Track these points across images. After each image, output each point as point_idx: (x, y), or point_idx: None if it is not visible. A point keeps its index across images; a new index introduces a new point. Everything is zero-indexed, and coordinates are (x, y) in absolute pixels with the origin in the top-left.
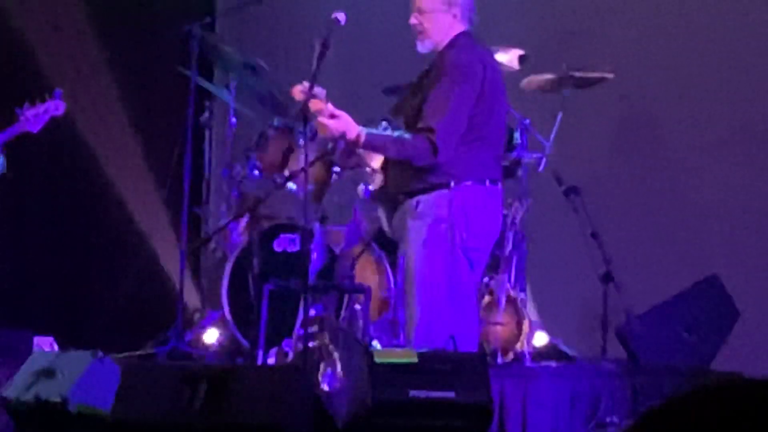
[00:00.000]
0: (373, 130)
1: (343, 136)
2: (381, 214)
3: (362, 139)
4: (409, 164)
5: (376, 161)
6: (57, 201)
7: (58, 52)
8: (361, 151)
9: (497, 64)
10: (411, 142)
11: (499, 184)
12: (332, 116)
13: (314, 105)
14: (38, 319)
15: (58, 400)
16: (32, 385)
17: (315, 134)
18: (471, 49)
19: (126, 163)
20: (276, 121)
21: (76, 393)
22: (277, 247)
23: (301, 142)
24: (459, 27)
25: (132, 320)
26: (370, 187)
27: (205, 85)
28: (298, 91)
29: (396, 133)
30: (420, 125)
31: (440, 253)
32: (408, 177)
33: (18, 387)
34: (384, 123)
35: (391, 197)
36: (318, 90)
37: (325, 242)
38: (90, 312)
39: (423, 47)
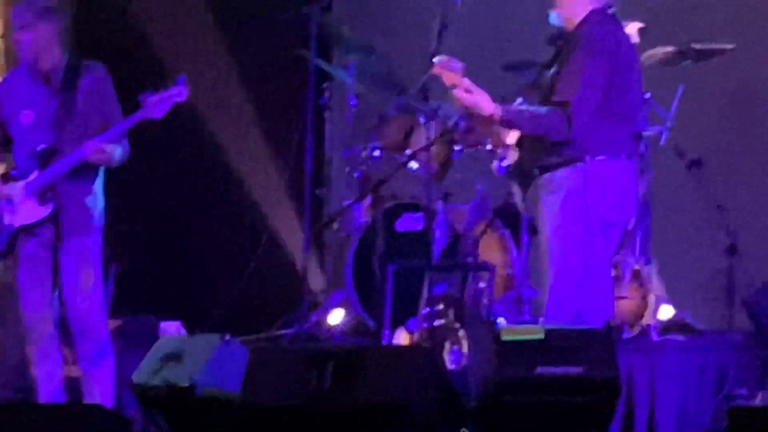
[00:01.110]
0: (509, 106)
1: (478, 110)
2: (515, 189)
3: (498, 114)
4: (544, 139)
5: (511, 137)
6: (180, 186)
7: (179, 38)
8: (495, 127)
9: (630, 40)
10: (546, 117)
11: (634, 159)
12: (468, 91)
13: (450, 79)
14: (165, 304)
15: (186, 384)
16: (160, 370)
17: (435, 113)
18: (605, 24)
19: (247, 147)
20: (396, 101)
21: (204, 377)
22: (399, 227)
23: (422, 120)
24: (594, 3)
25: (257, 303)
26: (504, 163)
27: (324, 66)
28: (438, 65)
29: (531, 108)
30: (554, 99)
31: (574, 228)
32: (542, 152)
33: (146, 372)
34: (519, 99)
35: (525, 172)
36: (456, 64)
37: (448, 221)
38: (215, 296)
39: (557, 19)
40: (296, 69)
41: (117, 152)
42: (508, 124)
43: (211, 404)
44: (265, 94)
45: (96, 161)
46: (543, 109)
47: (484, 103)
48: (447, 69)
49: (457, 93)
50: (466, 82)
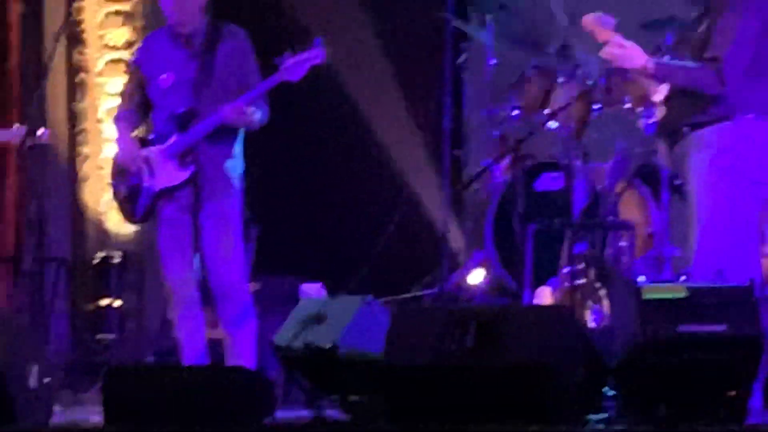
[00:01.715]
0: (660, 59)
1: (630, 64)
2: (660, 147)
3: (650, 66)
4: (693, 96)
5: (658, 94)
6: (319, 148)
7: (317, 1)
8: (639, 84)
9: None
10: (698, 71)
11: None
12: (620, 46)
13: (601, 34)
14: (306, 266)
15: (328, 345)
16: (302, 331)
17: (575, 72)
18: None
19: (386, 108)
20: (534, 60)
21: (346, 338)
22: (539, 186)
23: (561, 80)
24: None
25: (397, 264)
26: (651, 121)
27: (462, 26)
28: (589, 21)
29: (682, 62)
30: (707, 55)
31: (722, 186)
32: (691, 109)
33: (288, 334)
34: (666, 57)
35: (673, 130)
36: (608, 19)
37: (587, 180)
38: (355, 257)
39: None
40: (434, 30)
41: (256, 115)
42: (661, 76)
43: (353, 365)
44: (403, 55)
45: (235, 124)
46: (694, 64)
47: (636, 56)
48: (598, 24)
49: (609, 49)
50: (618, 37)
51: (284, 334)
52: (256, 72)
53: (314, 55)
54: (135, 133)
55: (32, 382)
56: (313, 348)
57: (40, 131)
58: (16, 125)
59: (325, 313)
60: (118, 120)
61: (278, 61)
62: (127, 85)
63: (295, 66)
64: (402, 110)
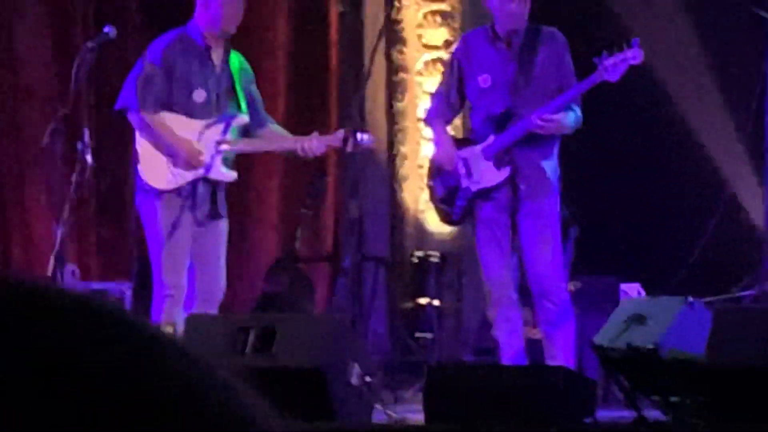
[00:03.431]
0: None
1: None
2: None
3: None
4: None
5: None
6: (637, 148)
7: (634, 0)
8: None
9: None
10: None
11: None
12: None
13: None
14: (624, 265)
15: (650, 346)
16: (623, 332)
17: None
18: None
19: (704, 108)
20: None
21: (668, 339)
22: None
23: None
24: None
25: (716, 265)
26: None
27: None
28: None
29: None
30: None
31: None
32: None
33: (609, 334)
34: None
35: None
36: None
37: None
38: (674, 257)
39: None
40: (754, 27)
41: (568, 120)
42: None
43: (675, 366)
44: (722, 53)
45: (544, 131)
46: None
47: None
48: None
49: None
50: None
51: (605, 334)
52: (572, 74)
53: (633, 55)
54: (448, 131)
55: (354, 380)
56: (635, 348)
57: (362, 135)
58: (340, 131)
59: (646, 313)
60: (430, 120)
61: (596, 61)
62: (444, 81)
63: (614, 66)
64: (721, 110)
